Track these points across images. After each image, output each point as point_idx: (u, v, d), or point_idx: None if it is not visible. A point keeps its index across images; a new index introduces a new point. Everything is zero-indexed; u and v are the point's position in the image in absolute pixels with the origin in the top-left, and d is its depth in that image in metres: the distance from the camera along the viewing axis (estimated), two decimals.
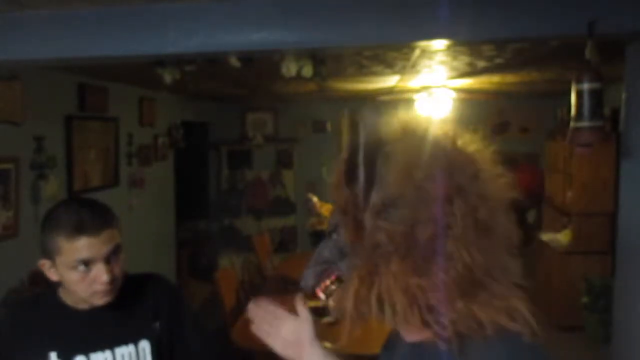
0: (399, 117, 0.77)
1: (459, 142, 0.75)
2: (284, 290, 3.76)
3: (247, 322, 1.08)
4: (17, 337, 1.25)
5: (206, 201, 6.49)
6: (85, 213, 1.19)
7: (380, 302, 0.69)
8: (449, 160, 0.71)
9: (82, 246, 1.16)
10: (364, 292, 0.70)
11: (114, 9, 1.82)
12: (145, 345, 1.30)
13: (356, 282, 0.71)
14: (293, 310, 1.04)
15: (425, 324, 0.70)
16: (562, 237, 4.64)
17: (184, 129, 5.24)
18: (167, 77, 2.38)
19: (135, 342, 1.29)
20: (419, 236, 0.68)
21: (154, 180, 4.64)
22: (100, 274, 1.18)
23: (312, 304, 3.65)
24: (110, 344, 1.28)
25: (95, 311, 1.26)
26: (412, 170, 0.70)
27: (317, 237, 3.99)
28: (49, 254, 1.19)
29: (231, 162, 6.47)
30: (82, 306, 1.26)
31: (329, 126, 6.38)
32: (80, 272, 1.17)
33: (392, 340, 0.85)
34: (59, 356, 1.23)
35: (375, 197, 0.71)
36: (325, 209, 4.02)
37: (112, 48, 1.86)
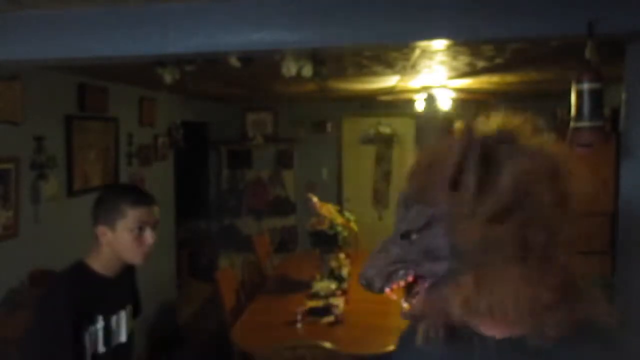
0: (499, 121, 0.77)
1: (555, 149, 0.75)
2: (284, 290, 3.77)
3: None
4: (81, 307, 1.49)
5: (206, 201, 6.49)
6: (138, 191, 1.63)
7: (490, 306, 0.71)
8: (554, 167, 0.72)
9: (143, 212, 1.54)
10: (474, 297, 0.71)
11: (114, 9, 1.82)
12: (131, 303, 1.73)
13: (467, 287, 0.71)
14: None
15: (536, 324, 0.72)
16: None
17: (184, 129, 5.24)
18: (167, 77, 2.38)
19: (130, 302, 1.71)
20: (531, 241, 0.69)
21: (154, 180, 4.64)
22: (149, 237, 1.55)
23: (312, 304, 3.65)
24: (123, 304, 1.66)
25: (113, 279, 1.59)
26: (526, 176, 0.70)
27: (318, 237, 3.97)
28: (110, 220, 1.52)
29: (231, 162, 6.47)
30: (107, 273, 1.57)
31: (329, 126, 6.38)
32: (135, 234, 1.52)
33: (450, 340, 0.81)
34: (103, 318, 1.55)
35: (489, 202, 0.70)
36: (326, 209, 4.00)
37: (112, 48, 1.86)
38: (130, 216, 1.52)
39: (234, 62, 2.19)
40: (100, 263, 1.57)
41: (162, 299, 4.71)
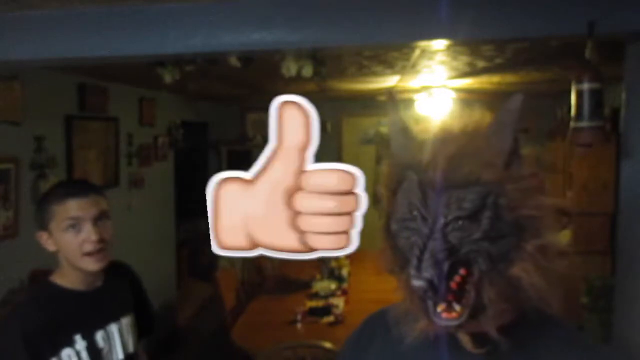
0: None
1: None
2: (284, 290, 3.77)
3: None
4: (45, 332, 1.29)
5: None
6: (71, 183, 1.49)
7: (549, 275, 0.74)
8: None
9: (71, 207, 1.31)
10: (546, 264, 0.73)
11: (114, 9, 1.82)
12: (131, 316, 1.52)
13: (537, 257, 0.72)
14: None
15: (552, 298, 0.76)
16: (562, 237, 4.63)
17: (184, 129, 5.24)
18: (167, 77, 2.38)
19: (126, 314, 1.51)
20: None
21: (154, 180, 4.64)
22: (90, 234, 1.31)
23: (312, 304, 3.65)
24: (114, 317, 1.46)
25: (86, 291, 1.40)
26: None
27: None
28: (44, 224, 1.34)
29: (231, 162, 6.46)
30: (77, 286, 1.38)
31: (329, 126, 6.38)
32: (71, 233, 1.31)
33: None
34: (83, 337, 1.34)
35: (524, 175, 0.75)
36: None
37: (112, 48, 1.86)
38: (58, 214, 1.31)
39: (234, 62, 2.19)
40: (64, 276, 1.38)
41: (162, 299, 4.71)
